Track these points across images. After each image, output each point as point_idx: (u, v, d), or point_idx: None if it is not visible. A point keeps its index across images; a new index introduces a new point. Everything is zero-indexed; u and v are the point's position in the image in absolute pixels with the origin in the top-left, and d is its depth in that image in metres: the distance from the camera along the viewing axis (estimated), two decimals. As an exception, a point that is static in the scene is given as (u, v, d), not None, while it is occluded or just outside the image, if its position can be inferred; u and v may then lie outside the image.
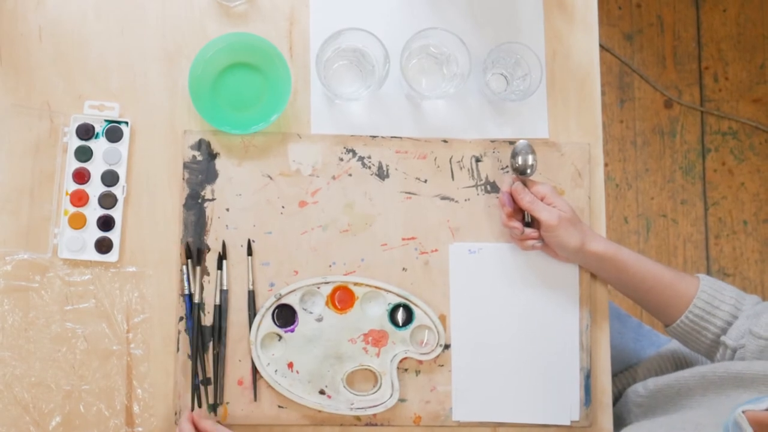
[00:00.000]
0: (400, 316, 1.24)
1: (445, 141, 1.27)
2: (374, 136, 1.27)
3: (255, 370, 1.22)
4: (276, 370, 1.22)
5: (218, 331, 1.23)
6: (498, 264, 1.26)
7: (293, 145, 1.26)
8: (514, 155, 1.23)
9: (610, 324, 1.29)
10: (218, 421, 1.21)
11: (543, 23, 1.31)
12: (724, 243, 2.29)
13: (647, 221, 2.29)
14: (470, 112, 1.29)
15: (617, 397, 1.36)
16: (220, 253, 1.23)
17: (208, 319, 1.23)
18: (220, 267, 1.23)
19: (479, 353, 1.25)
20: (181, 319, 1.23)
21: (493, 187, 1.27)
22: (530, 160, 1.23)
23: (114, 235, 1.24)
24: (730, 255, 2.28)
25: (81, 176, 1.24)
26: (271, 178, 1.25)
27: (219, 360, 1.22)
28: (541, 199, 1.22)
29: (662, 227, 2.29)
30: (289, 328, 1.23)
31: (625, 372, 1.40)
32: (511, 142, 1.27)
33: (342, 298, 1.24)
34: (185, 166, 1.25)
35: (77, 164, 1.24)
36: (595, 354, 1.26)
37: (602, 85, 1.30)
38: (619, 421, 1.29)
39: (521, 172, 1.23)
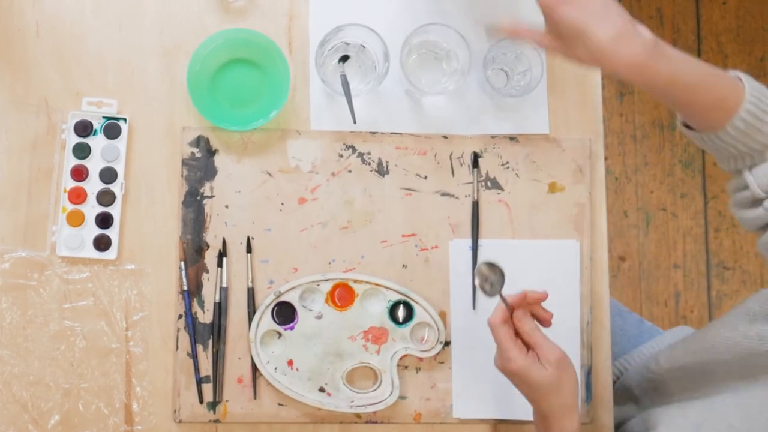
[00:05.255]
0: (400, 313, 1.24)
1: (445, 137, 1.27)
2: (374, 133, 1.26)
3: (255, 368, 1.22)
4: (276, 368, 1.22)
5: (218, 328, 1.22)
6: (498, 260, 1.25)
7: (292, 142, 1.25)
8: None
9: (611, 320, 1.28)
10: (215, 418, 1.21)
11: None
12: (723, 236, 2.29)
13: (647, 215, 2.29)
14: (470, 108, 1.28)
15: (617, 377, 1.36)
16: (220, 250, 1.23)
17: (207, 317, 1.23)
18: (220, 264, 1.23)
19: (480, 350, 1.24)
20: (180, 316, 1.22)
21: (493, 184, 1.26)
22: (481, 282, 1.12)
23: (112, 232, 1.23)
24: (729, 248, 2.28)
25: (79, 173, 1.23)
26: (270, 175, 1.25)
27: (219, 358, 1.22)
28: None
29: (662, 221, 2.29)
30: (288, 326, 1.23)
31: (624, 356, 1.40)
32: (512, 138, 1.27)
33: (342, 296, 1.23)
34: (184, 163, 1.24)
35: (75, 161, 1.24)
36: (596, 351, 1.26)
37: (602, 78, 1.30)
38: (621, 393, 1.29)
39: (490, 295, 1.12)
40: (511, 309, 1.10)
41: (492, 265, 1.10)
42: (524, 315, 1.10)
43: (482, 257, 1.25)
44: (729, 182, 1.14)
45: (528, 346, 1.10)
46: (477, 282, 1.10)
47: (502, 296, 1.09)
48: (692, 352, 1.17)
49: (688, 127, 1.12)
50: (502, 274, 1.10)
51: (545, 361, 1.08)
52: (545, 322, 1.12)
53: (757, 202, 1.09)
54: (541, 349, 1.09)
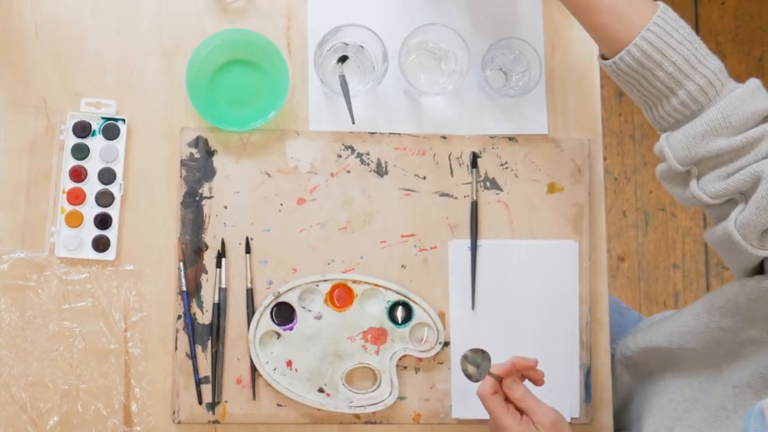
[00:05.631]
0: (399, 313, 1.24)
1: (444, 137, 1.27)
2: (373, 133, 1.26)
3: (254, 369, 1.22)
4: (275, 369, 1.22)
5: (217, 329, 1.22)
6: (497, 261, 1.25)
7: (291, 142, 1.25)
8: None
9: (611, 318, 1.29)
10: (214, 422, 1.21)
11: (542, 18, 1.30)
12: (722, 236, 2.28)
13: (646, 215, 2.29)
14: (469, 108, 1.28)
15: None
16: (219, 251, 1.23)
17: (206, 318, 1.23)
18: (219, 265, 1.23)
19: (479, 351, 1.24)
20: (179, 317, 1.22)
21: (492, 184, 1.26)
22: (470, 369, 1.10)
23: (111, 233, 1.23)
24: (728, 248, 2.28)
25: (78, 174, 1.23)
26: (269, 176, 1.25)
27: (218, 358, 1.22)
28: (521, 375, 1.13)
29: (661, 221, 2.29)
30: (287, 327, 1.23)
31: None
32: (511, 138, 1.27)
33: (341, 296, 1.23)
34: (183, 163, 1.24)
35: (74, 162, 1.23)
36: (595, 351, 1.26)
37: (600, 78, 1.30)
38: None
39: (476, 380, 1.10)
40: (499, 379, 1.09)
41: (477, 351, 1.09)
42: (514, 382, 1.08)
43: (481, 257, 1.25)
44: (655, 145, 1.08)
45: (521, 412, 1.09)
46: (462, 368, 1.09)
47: (490, 373, 1.08)
48: (663, 335, 1.18)
49: (605, 58, 1.09)
50: (488, 358, 1.08)
51: (540, 426, 1.06)
52: (538, 381, 1.11)
53: (683, 179, 1.05)
54: (534, 414, 1.07)
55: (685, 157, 1.02)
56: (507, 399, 1.09)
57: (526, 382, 1.11)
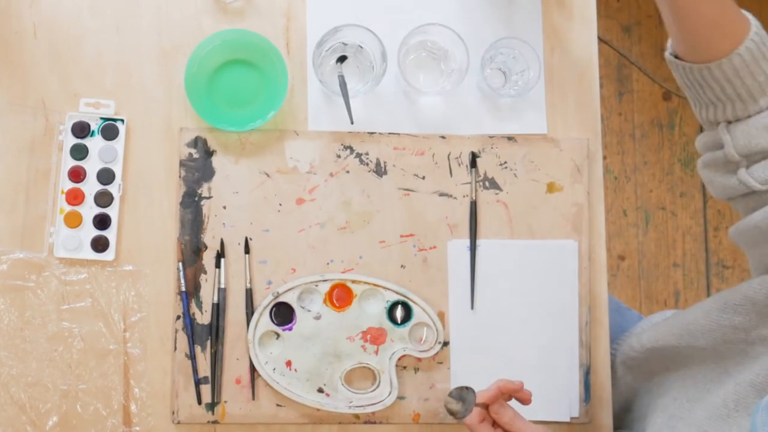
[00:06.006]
0: (398, 313, 1.24)
1: (443, 137, 1.26)
2: (372, 133, 1.26)
3: (253, 369, 1.22)
4: (274, 369, 1.22)
5: (216, 329, 1.22)
6: (496, 261, 1.25)
7: (290, 143, 1.25)
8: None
9: (610, 318, 1.28)
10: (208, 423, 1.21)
11: (541, 18, 1.30)
12: (723, 235, 2.28)
13: (646, 214, 2.29)
14: (468, 108, 1.28)
15: None
16: (218, 251, 1.23)
17: (205, 318, 1.23)
18: (218, 265, 1.23)
19: (478, 350, 1.24)
20: (178, 317, 1.22)
21: (491, 184, 1.26)
22: (454, 406, 1.08)
23: (110, 233, 1.23)
24: (729, 247, 2.28)
25: (76, 174, 1.23)
26: (268, 176, 1.25)
27: (217, 359, 1.22)
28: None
29: (661, 220, 2.29)
30: (287, 327, 1.22)
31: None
32: (510, 138, 1.27)
33: (340, 296, 1.23)
34: (182, 163, 1.24)
35: (73, 162, 1.23)
36: (594, 350, 1.26)
37: (600, 77, 1.30)
38: None
39: (461, 417, 1.08)
40: (486, 406, 1.08)
41: (460, 388, 1.07)
42: (501, 407, 1.09)
43: (481, 257, 1.25)
44: (700, 137, 1.11)
45: None
46: (446, 408, 1.07)
47: (477, 404, 1.07)
48: (671, 333, 1.18)
49: (677, 57, 1.10)
50: (473, 392, 1.07)
51: None
52: (525, 401, 1.12)
53: (731, 168, 1.07)
54: None
55: (744, 147, 1.04)
56: (494, 424, 1.09)
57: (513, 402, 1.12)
